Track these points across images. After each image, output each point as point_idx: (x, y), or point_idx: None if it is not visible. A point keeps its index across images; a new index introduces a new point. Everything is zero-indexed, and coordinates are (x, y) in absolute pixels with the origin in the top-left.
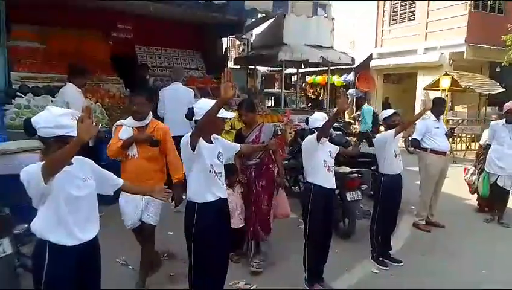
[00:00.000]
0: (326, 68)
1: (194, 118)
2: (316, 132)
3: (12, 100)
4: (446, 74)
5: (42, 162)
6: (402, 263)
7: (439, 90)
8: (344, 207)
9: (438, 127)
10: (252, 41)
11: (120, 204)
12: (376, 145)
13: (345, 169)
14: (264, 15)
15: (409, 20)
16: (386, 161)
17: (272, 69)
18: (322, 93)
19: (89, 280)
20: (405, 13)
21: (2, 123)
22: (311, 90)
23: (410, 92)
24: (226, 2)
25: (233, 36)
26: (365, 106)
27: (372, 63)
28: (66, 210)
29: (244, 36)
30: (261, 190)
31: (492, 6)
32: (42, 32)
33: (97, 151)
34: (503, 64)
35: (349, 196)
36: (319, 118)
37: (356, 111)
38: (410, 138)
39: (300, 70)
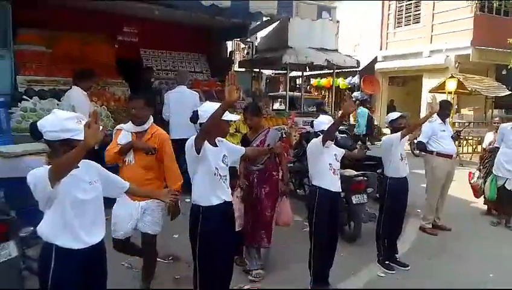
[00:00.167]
0: (331, 71)
1: (198, 121)
2: (321, 135)
3: (19, 103)
4: (452, 77)
5: (49, 166)
6: (408, 267)
7: (444, 92)
8: (350, 210)
9: (444, 130)
10: (256, 44)
11: (113, 212)
12: (382, 148)
13: (351, 172)
14: (268, 18)
15: (414, 23)
16: (392, 163)
17: (276, 72)
18: (326, 96)
19: (95, 284)
20: (410, 16)
21: (8, 126)
22: (316, 93)
23: (415, 95)
24: (230, 5)
25: (238, 39)
26: (360, 109)
27: (377, 66)
28: (72, 214)
29: (248, 39)
30: (264, 197)
31: (498, 8)
32: (48, 36)
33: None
34: (509, 67)
35: (355, 199)
36: (324, 121)
37: None
38: (416, 141)
39: (305, 73)
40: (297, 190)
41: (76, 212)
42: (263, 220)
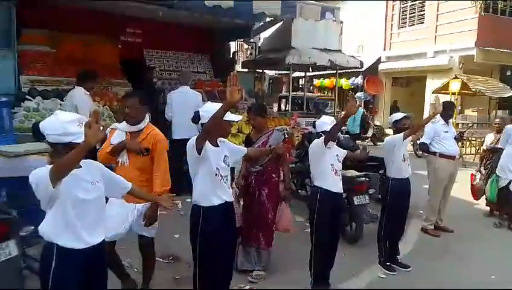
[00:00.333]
0: (334, 71)
1: (200, 122)
2: (324, 136)
3: (22, 103)
4: (456, 78)
5: (50, 166)
6: (410, 268)
7: (448, 93)
8: (351, 211)
9: (447, 131)
10: (259, 44)
11: (108, 212)
12: (385, 149)
13: (353, 173)
14: (272, 19)
15: (418, 24)
16: (395, 164)
17: (279, 72)
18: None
19: (95, 283)
20: (414, 16)
21: (11, 126)
22: (319, 94)
23: (419, 96)
24: (233, 5)
25: (241, 40)
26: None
27: (381, 67)
28: (74, 213)
29: (252, 40)
30: (265, 199)
31: (503, 9)
32: (52, 36)
33: None
34: None
35: (357, 200)
36: (326, 122)
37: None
38: (418, 142)
39: (308, 74)
40: (299, 191)
41: (78, 212)
42: (262, 222)
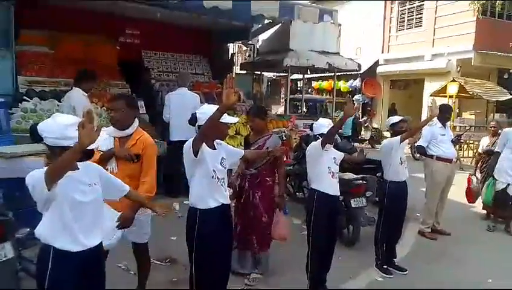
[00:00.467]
0: (333, 74)
1: (197, 124)
2: (321, 138)
3: (19, 104)
4: (453, 81)
5: (46, 168)
6: (407, 271)
7: (446, 96)
8: (348, 214)
9: (444, 134)
10: (258, 46)
11: None
12: (382, 152)
13: (350, 175)
14: (270, 21)
15: (416, 26)
16: (392, 167)
17: (278, 74)
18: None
19: (92, 286)
20: (412, 19)
21: (8, 127)
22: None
23: (417, 98)
24: (231, 7)
25: (240, 42)
26: (341, 113)
27: (379, 69)
28: (71, 216)
29: (250, 42)
30: (259, 202)
31: (500, 12)
32: (50, 36)
33: None
34: (511, 71)
35: (354, 203)
36: (323, 124)
37: (362, 117)
38: (416, 145)
39: (306, 76)
40: (297, 193)
41: (74, 215)
42: (256, 225)
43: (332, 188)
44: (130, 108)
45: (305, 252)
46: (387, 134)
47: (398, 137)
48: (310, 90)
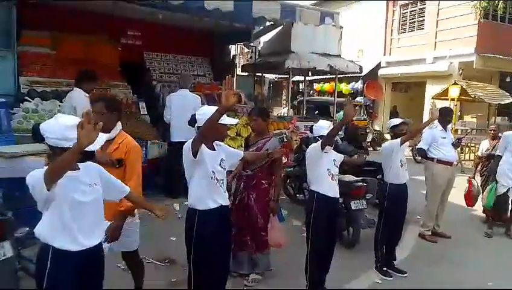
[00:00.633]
0: (334, 76)
1: (196, 125)
2: (321, 140)
3: (21, 104)
4: (455, 83)
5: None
6: (406, 274)
7: (447, 99)
8: (348, 216)
9: (444, 137)
10: (259, 48)
11: None
12: (382, 154)
13: (350, 177)
14: (272, 23)
15: (418, 29)
16: (392, 170)
17: (279, 76)
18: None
19: (90, 286)
20: (414, 22)
21: (9, 126)
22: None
23: (419, 101)
24: (232, 9)
25: (242, 43)
26: (341, 113)
27: (381, 72)
28: (70, 216)
29: (252, 43)
30: (253, 204)
31: (502, 16)
32: (52, 37)
33: None
34: None
35: (354, 205)
36: (323, 126)
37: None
38: (416, 147)
39: (308, 78)
40: (297, 195)
41: (74, 215)
42: (252, 227)
43: (331, 190)
44: (110, 111)
45: (304, 254)
46: (388, 136)
47: (399, 139)
48: (311, 92)
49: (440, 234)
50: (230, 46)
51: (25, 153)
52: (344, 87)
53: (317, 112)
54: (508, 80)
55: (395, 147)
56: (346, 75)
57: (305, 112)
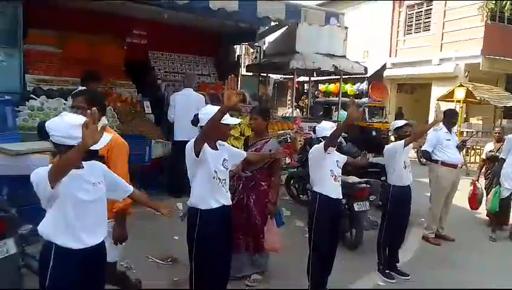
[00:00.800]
0: (339, 77)
1: (199, 124)
2: (324, 141)
3: (26, 102)
4: (461, 85)
5: (50, 166)
6: (409, 277)
7: (453, 101)
8: (351, 217)
9: (449, 139)
10: (264, 48)
11: None
12: (386, 156)
13: (354, 179)
14: (277, 23)
15: (424, 31)
16: (395, 171)
17: (284, 76)
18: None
19: (93, 284)
20: (420, 23)
21: (14, 124)
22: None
23: (424, 103)
24: (237, 9)
25: (246, 43)
26: (341, 112)
27: (386, 73)
28: (73, 214)
29: (257, 44)
30: (252, 205)
31: (509, 18)
32: (58, 36)
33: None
34: None
35: (357, 206)
36: (326, 127)
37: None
38: (421, 149)
39: (313, 79)
40: (301, 195)
41: (77, 213)
42: (250, 228)
43: (334, 191)
44: (91, 105)
45: (307, 255)
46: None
47: (402, 141)
48: (316, 92)
49: (444, 237)
50: (235, 46)
51: (29, 151)
52: (349, 88)
53: (321, 112)
54: None
55: (398, 149)
56: (351, 76)
57: (309, 111)
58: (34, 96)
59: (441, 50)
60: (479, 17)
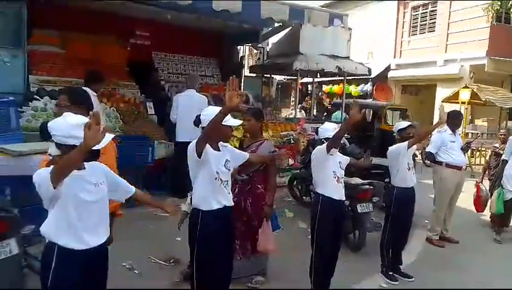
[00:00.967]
0: (343, 78)
1: (200, 125)
2: (326, 142)
3: (30, 103)
4: (466, 87)
5: (52, 167)
6: (413, 279)
7: (458, 102)
8: (355, 219)
9: (453, 141)
10: (268, 49)
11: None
12: (389, 157)
13: (357, 180)
14: (280, 24)
15: (429, 32)
16: (399, 173)
17: (288, 77)
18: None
19: (95, 285)
20: (425, 24)
21: (18, 125)
22: (328, 100)
23: (429, 104)
24: (241, 10)
25: (250, 44)
26: (336, 113)
27: (391, 74)
28: (75, 214)
29: (260, 45)
30: (249, 208)
31: None
32: (62, 37)
33: None
34: None
35: (360, 208)
36: (328, 128)
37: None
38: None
39: (317, 80)
40: (304, 197)
41: (79, 213)
42: (248, 231)
43: (337, 192)
44: (73, 104)
45: (309, 256)
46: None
47: (406, 143)
48: (320, 94)
49: (448, 239)
50: (238, 47)
51: (32, 152)
52: (353, 90)
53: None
54: None
55: (402, 150)
56: (356, 77)
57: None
58: (38, 97)
59: (445, 51)
60: (484, 18)
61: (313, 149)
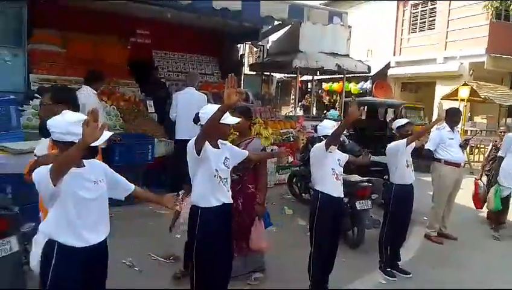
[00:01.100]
0: (342, 76)
1: (199, 123)
2: (325, 140)
3: (30, 101)
4: (465, 84)
5: (51, 165)
6: (411, 275)
7: (457, 100)
8: (353, 216)
9: (452, 138)
10: (268, 47)
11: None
12: (388, 154)
13: (356, 177)
14: (280, 22)
15: (428, 29)
16: (398, 170)
17: (288, 75)
18: (338, 101)
19: (94, 282)
20: (425, 22)
21: (18, 123)
22: (327, 98)
23: (428, 102)
24: (240, 8)
25: (250, 42)
26: (331, 111)
27: (390, 72)
28: (75, 212)
29: (260, 43)
30: (241, 208)
31: None
32: (62, 36)
33: (109, 153)
34: None
35: (359, 205)
36: (327, 126)
37: None
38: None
39: (317, 77)
40: (303, 194)
41: (79, 211)
42: (242, 230)
43: (336, 190)
44: (56, 102)
45: (308, 253)
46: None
47: (404, 140)
48: (320, 91)
49: (446, 236)
50: (238, 45)
51: (32, 150)
52: (353, 87)
53: (325, 111)
54: None
55: (400, 148)
56: (355, 75)
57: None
58: (38, 96)
59: (445, 49)
60: (483, 16)
61: (312, 146)
